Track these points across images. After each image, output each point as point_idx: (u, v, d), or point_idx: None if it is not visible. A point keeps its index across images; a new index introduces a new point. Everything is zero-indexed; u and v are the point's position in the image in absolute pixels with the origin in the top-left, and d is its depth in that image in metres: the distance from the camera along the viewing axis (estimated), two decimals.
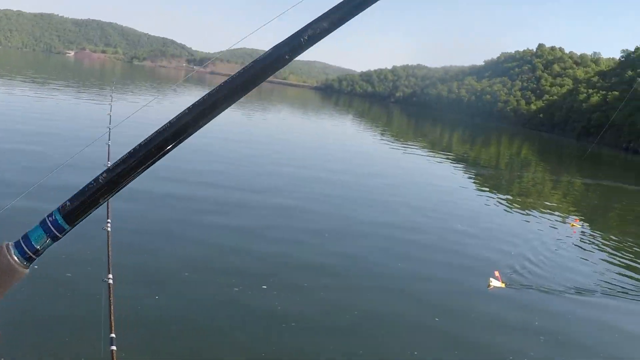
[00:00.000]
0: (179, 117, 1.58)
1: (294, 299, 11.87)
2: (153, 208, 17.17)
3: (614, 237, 24.24)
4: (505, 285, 14.36)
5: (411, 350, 10.36)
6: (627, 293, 15.96)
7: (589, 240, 22.59)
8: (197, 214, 17.36)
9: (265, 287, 12.09)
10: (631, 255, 20.88)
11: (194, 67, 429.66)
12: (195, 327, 9.88)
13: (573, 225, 24.96)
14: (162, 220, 16.14)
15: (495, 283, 14.27)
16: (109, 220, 6.63)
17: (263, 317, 10.68)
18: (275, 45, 1.64)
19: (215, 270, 12.91)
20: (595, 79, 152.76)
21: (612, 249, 21.54)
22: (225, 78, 1.63)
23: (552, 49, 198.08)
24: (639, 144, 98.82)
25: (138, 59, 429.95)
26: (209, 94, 1.59)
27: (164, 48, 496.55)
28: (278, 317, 10.71)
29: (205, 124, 1.61)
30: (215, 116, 1.61)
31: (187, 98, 79.34)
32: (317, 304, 11.89)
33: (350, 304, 12.13)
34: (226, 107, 1.61)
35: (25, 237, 1.50)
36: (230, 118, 49.23)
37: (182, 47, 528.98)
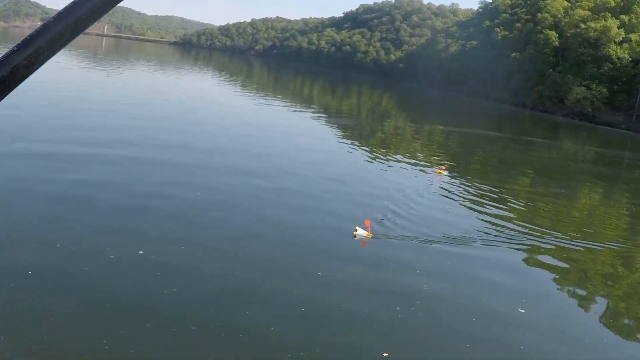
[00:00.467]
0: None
1: (173, 260, 11.14)
2: None
3: (478, 184, 24.46)
4: (372, 235, 14.13)
5: (297, 298, 10.22)
6: (492, 238, 16.09)
7: (455, 187, 22.70)
8: (49, 172, 16.17)
9: (141, 252, 11.21)
10: (493, 202, 21.03)
11: None
12: (76, 306, 8.97)
13: (439, 173, 24.88)
14: None
15: (361, 232, 14.07)
16: None
17: (147, 285, 10.01)
18: None
19: (91, 234, 12.00)
20: (453, 29, 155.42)
21: (477, 196, 21.73)
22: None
23: (411, 0, 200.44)
24: (498, 93, 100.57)
25: None
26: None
27: (17, 7, 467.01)
28: (161, 282, 10.04)
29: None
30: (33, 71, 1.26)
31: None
32: (192, 260, 11.31)
33: (226, 255, 11.93)
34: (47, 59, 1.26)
35: None
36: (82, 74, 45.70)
37: (36, 5, 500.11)
